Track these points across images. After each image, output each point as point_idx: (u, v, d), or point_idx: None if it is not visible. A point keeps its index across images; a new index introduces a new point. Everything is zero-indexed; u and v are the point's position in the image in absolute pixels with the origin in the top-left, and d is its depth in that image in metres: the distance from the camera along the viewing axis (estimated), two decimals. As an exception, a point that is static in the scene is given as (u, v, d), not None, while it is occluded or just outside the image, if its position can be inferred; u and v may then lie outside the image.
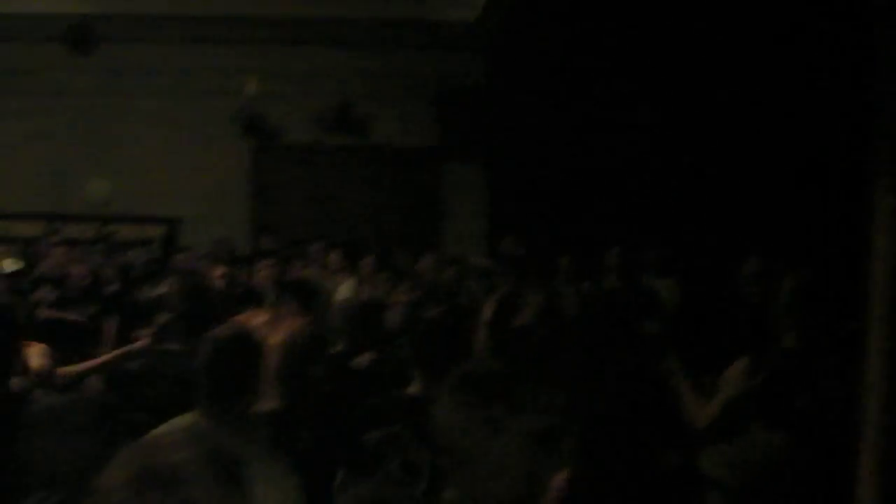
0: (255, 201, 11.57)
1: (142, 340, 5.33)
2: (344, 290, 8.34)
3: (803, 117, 6.95)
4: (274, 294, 6.93)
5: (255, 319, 5.84)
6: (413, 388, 3.71)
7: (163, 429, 2.92)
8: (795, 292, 4.58)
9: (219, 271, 7.76)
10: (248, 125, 10.75)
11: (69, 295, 8.25)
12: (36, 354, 4.44)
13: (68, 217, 11.53)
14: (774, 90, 7.42)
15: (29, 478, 2.34)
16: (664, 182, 9.15)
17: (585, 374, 4.41)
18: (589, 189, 9.72)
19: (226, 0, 10.68)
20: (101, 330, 8.31)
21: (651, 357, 5.66)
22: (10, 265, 8.21)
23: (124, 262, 9.33)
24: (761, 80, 7.48)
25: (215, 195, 11.27)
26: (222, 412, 2.99)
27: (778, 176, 7.51)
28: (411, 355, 3.86)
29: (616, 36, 8.98)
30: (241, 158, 11.43)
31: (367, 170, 11.39)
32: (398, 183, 11.35)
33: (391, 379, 4.12)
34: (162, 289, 7.46)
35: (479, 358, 4.48)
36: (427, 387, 3.55)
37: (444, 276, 8.40)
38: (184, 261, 8.65)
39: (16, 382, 4.09)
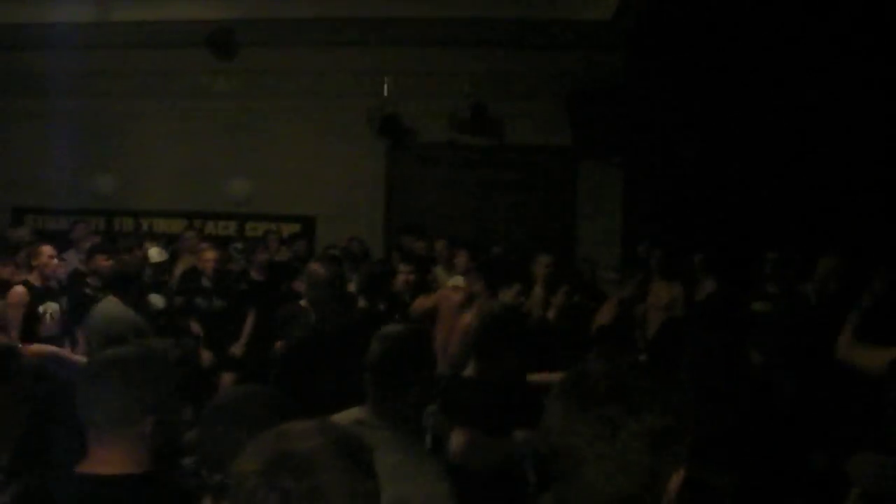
0: (389, 200, 11.66)
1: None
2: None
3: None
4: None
5: (452, 298, 6.12)
6: (468, 371, 4.15)
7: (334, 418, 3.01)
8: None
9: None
10: (384, 125, 10.92)
11: (204, 285, 8.61)
12: None
13: (209, 215, 11.94)
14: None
15: (200, 457, 2.46)
16: (806, 182, 8.93)
17: (718, 373, 4.34)
18: (727, 189, 9.55)
19: (361, 2, 10.83)
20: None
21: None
22: (157, 255, 8.65)
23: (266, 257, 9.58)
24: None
25: (350, 194, 11.42)
26: (391, 406, 3.01)
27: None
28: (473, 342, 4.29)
29: (757, 32, 8.80)
30: (376, 158, 11.52)
31: (500, 169, 11.35)
32: (532, 183, 11.27)
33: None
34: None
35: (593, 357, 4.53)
36: (481, 371, 4.12)
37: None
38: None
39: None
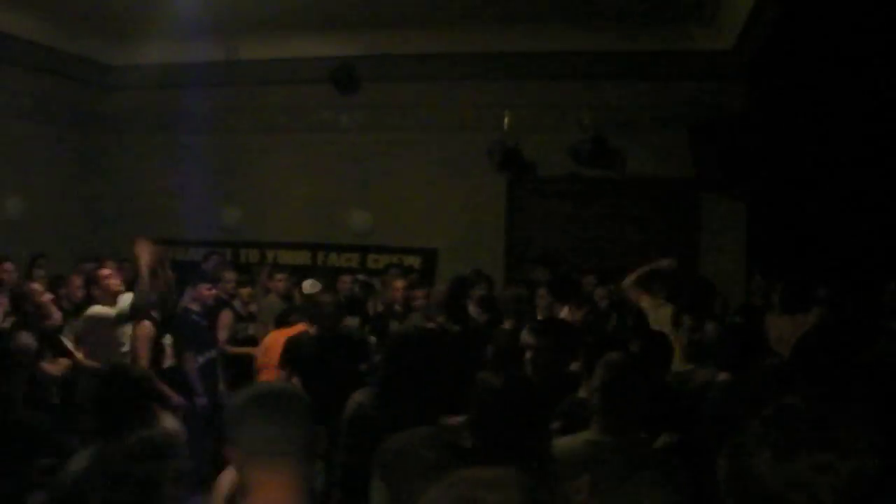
0: (510, 234, 11.65)
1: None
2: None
3: None
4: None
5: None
6: (582, 392, 4.19)
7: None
8: None
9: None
10: (504, 158, 10.96)
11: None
12: None
13: (331, 247, 12.21)
14: None
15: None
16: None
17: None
18: (855, 221, 9.33)
19: (481, 37, 10.98)
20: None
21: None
22: (310, 287, 9.19)
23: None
24: None
25: (471, 227, 11.45)
26: (617, 430, 3.22)
27: None
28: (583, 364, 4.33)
29: (884, 57, 8.58)
30: (496, 191, 11.53)
31: (621, 202, 11.28)
32: (653, 215, 11.15)
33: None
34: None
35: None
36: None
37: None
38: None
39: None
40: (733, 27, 9.71)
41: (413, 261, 11.68)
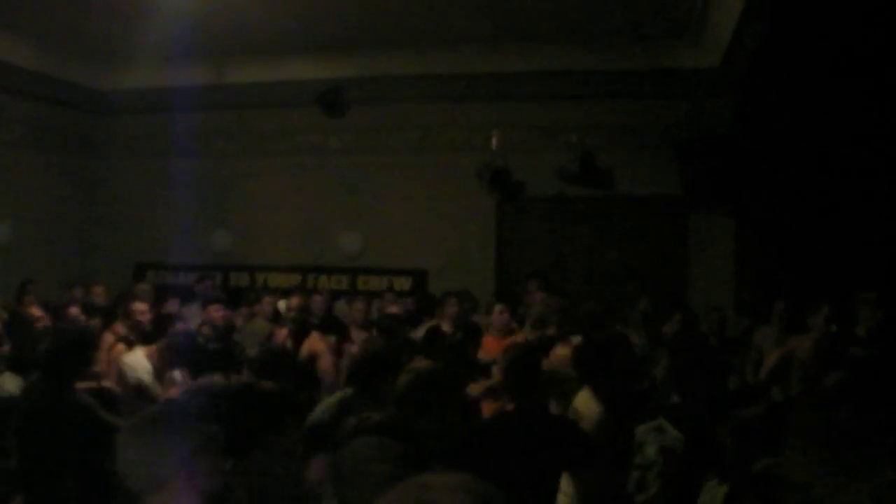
0: (500, 254, 11.61)
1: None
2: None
3: None
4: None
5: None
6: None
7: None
8: None
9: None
10: (493, 179, 10.97)
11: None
12: None
13: (322, 269, 12.19)
14: None
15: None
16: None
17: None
18: (842, 237, 9.35)
19: (467, 58, 11.03)
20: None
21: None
22: (283, 305, 9.45)
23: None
24: None
25: (461, 248, 11.44)
26: None
27: None
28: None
29: (869, 75, 8.64)
30: (486, 212, 11.52)
31: (610, 221, 11.26)
32: (642, 233, 11.12)
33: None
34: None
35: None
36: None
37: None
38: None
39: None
40: (718, 46, 9.76)
41: (403, 282, 11.67)
